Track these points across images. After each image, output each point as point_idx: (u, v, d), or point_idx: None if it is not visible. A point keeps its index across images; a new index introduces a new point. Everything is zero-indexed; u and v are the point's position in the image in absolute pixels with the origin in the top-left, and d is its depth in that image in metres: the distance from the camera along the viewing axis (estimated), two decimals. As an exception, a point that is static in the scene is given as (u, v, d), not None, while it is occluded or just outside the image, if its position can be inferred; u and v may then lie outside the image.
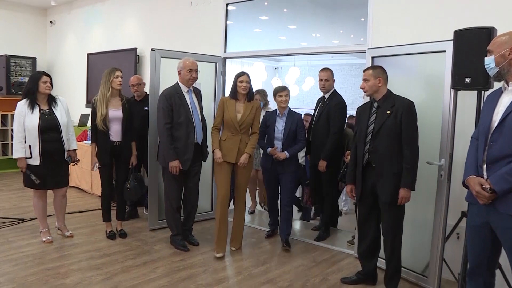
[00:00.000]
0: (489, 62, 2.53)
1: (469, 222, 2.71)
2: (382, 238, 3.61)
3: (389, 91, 3.51)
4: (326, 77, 4.75)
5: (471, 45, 3.14)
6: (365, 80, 3.51)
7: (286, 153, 4.52)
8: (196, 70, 4.33)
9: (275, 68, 12.52)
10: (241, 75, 4.22)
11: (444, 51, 3.49)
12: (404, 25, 4.19)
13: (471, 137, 2.73)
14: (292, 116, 4.60)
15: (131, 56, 7.12)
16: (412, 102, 3.42)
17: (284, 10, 6.45)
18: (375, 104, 3.53)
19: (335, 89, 4.84)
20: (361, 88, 3.56)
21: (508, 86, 2.49)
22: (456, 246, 3.65)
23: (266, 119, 4.68)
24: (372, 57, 4.10)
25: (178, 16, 6.51)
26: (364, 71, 3.58)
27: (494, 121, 2.48)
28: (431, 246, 3.61)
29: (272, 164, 4.64)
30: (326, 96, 4.79)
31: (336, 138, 4.61)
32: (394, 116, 3.39)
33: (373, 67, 3.60)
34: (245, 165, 4.25)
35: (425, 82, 3.77)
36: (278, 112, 4.62)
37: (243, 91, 4.22)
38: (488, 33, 3.12)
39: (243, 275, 3.86)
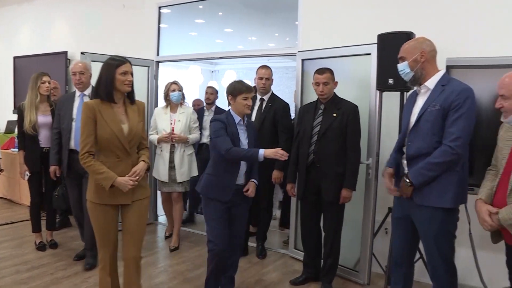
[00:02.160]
0: (404, 68, 2.69)
1: (393, 214, 2.93)
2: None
3: (335, 93, 3.61)
4: (267, 76, 4.28)
5: (393, 48, 3.27)
6: (325, 83, 3.51)
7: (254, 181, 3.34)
8: (82, 73, 3.94)
9: (212, 72, 12.52)
10: (123, 63, 2.77)
11: (370, 53, 3.64)
12: (334, 29, 4.31)
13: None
14: (250, 124, 3.41)
15: (61, 60, 6.84)
16: (357, 106, 3.55)
17: (219, 13, 6.46)
18: (322, 106, 3.59)
19: (272, 90, 4.43)
20: (321, 91, 3.52)
21: (421, 89, 2.67)
22: (384, 241, 3.79)
23: (226, 127, 3.16)
24: (302, 60, 4.20)
25: (110, 18, 6.35)
26: (321, 73, 3.53)
27: (411, 122, 2.67)
28: (361, 242, 3.76)
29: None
30: (266, 98, 4.30)
31: (290, 144, 3.98)
32: (340, 119, 3.49)
33: (329, 69, 3.57)
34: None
35: (354, 84, 3.91)
36: (236, 119, 3.22)
37: (129, 88, 2.80)
38: (407, 37, 3.29)
39: (178, 279, 3.83)
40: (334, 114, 3.51)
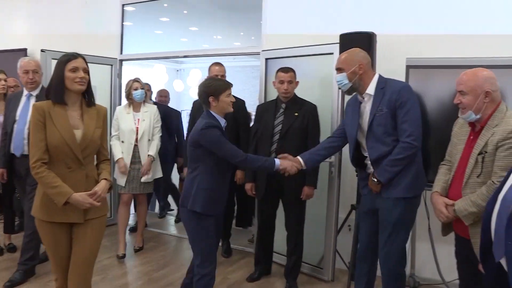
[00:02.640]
0: (342, 79, 2.80)
1: (360, 208, 3.10)
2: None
3: (295, 93, 3.66)
4: (222, 73, 4.14)
5: (354, 47, 3.35)
6: (289, 81, 3.54)
7: None
8: (35, 71, 3.72)
9: (177, 70, 12.41)
10: (73, 58, 2.42)
11: (332, 53, 3.68)
12: (297, 28, 4.35)
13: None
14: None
15: (21, 57, 6.67)
16: (316, 106, 3.64)
17: (184, 12, 6.43)
18: (283, 105, 3.62)
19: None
20: (285, 89, 3.54)
21: (364, 97, 2.82)
22: (347, 238, 3.86)
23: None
24: (266, 59, 4.22)
25: (72, 16, 6.20)
26: (286, 72, 3.55)
27: (363, 129, 2.84)
28: (325, 239, 3.82)
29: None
30: None
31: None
32: (301, 118, 3.54)
33: (292, 69, 3.60)
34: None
35: (317, 83, 3.96)
36: (221, 121, 2.90)
37: (81, 86, 2.40)
38: (368, 37, 3.39)
39: (143, 280, 3.79)
40: (296, 114, 3.55)
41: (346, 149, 3.67)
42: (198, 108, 4.01)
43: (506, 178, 1.85)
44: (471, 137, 2.37)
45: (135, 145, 4.32)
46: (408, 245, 3.35)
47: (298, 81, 3.63)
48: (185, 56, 5.88)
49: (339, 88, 2.93)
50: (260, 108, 3.84)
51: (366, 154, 2.89)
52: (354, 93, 2.89)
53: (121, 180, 4.31)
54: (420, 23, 3.81)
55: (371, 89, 2.79)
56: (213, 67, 4.19)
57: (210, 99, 2.81)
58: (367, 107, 2.82)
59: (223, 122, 2.88)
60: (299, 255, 3.70)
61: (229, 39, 9.16)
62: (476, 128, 2.35)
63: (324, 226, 3.83)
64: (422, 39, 3.76)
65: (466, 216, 2.25)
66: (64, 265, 2.48)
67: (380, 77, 2.83)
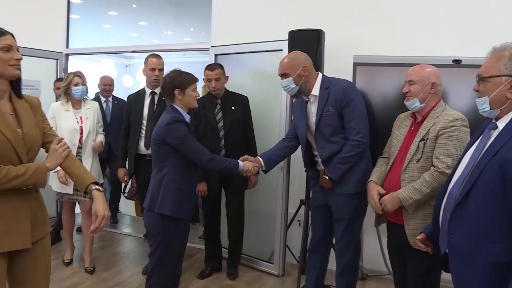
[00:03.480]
0: (288, 83, 2.85)
1: (312, 203, 3.16)
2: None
3: (225, 88, 3.71)
4: (161, 66, 3.85)
5: (303, 44, 3.38)
6: (216, 79, 3.56)
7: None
8: None
9: (127, 66, 12.14)
10: (4, 34, 1.85)
11: (281, 50, 3.70)
12: (247, 25, 4.34)
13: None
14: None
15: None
16: (247, 97, 3.72)
17: (133, 6, 6.30)
18: (218, 101, 3.64)
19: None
20: (213, 87, 3.57)
21: (310, 98, 2.89)
22: (297, 232, 3.91)
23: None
24: (215, 55, 4.21)
25: (15, 7, 5.94)
26: (212, 70, 3.58)
27: (312, 130, 2.92)
28: (275, 234, 3.85)
29: None
30: (157, 91, 3.82)
31: None
32: (238, 111, 3.62)
33: (219, 65, 3.69)
34: None
35: (266, 79, 3.97)
36: (186, 117, 2.76)
37: (17, 71, 1.88)
38: (317, 34, 3.44)
39: (91, 280, 3.69)
40: (233, 108, 3.63)
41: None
42: (131, 103, 3.93)
43: (452, 173, 1.92)
44: (412, 128, 2.49)
45: (79, 147, 3.78)
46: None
47: (227, 76, 3.68)
48: (133, 52, 5.76)
49: (287, 92, 2.97)
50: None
51: (316, 152, 2.97)
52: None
53: (68, 188, 3.74)
54: (367, 21, 3.90)
55: (316, 90, 2.86)
56: (150, 60, 3.84)
57: (176, 91, 2.66)
58: (312, 108, 2.90)
59: (187, 117, 2.73)
60: (241, 244, 3.86)
61: (180, 34, 9.05)
62: (417, 120, 2.47)
63: (274, 221, 3.86)
64: (369, 38, 3.86)
65: (411, 204, 2.32)
66: None
67: (324, 76, 2.92)
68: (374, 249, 3.77)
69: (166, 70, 3.16)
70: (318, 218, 3.09)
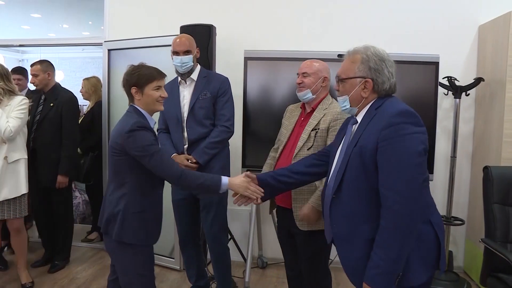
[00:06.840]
0: (188, 60, 2.95)
1: (173, 196, 3.16)
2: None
3: (57, 84, 3.84)
4: (34, 72, 3.74)
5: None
6: (34, 75, 3.71)
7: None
8: None
9: (20, 61, 11.35)
10: None
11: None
12: (141, 19, 4.28)
13: (158, 129, 3.17)
14: None
15: None
16: (74, 96, 3.88)
17: (21, -5, 5.98)
18: (43, 96, 3.79)
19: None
20: (32, 83, 3.77)
21: (186, 81, 3.03)
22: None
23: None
24: (109, 50, 4.11)
25: None
26: (31, 66, 3.76)
27: (184, 110, 3.02)
28: (175, 229, 3.83)
29: None
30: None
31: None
32: (56, 109, 3.72)
33: (41, 61, 3.82)
34: None
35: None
36: (151, 121, 2.36)
37: None
38: (208, 29, 3.50)
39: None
40: (51, 104, 3.72)
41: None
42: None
43: (330, 168, 2.04)
44: (302, 118, 2.64)
45: None
46: (253, 228, 3.58)
47: (49, 72, 3.76)
48: (21, 46, 5.43)
49: (182, 69, 2.97)
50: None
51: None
52: (174, 78, 3.08)
53: None
54: (257, 17, 4.03)
55: (195, 75, 3.04)
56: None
57: (133, 90, 2.25)
58: (186, 91, 3.04)
59: (152, 122, 2.31)
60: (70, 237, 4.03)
61: (77, 28, 8.68)
62: (306, 111, 2.62)
63: (171, 217, 3.85)
64: (259, 33, 4.00)
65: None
66: None
67: (202, 67, 3.11)
68: (272, 237, 3.91)
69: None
70: (181, 213, 3.16)
